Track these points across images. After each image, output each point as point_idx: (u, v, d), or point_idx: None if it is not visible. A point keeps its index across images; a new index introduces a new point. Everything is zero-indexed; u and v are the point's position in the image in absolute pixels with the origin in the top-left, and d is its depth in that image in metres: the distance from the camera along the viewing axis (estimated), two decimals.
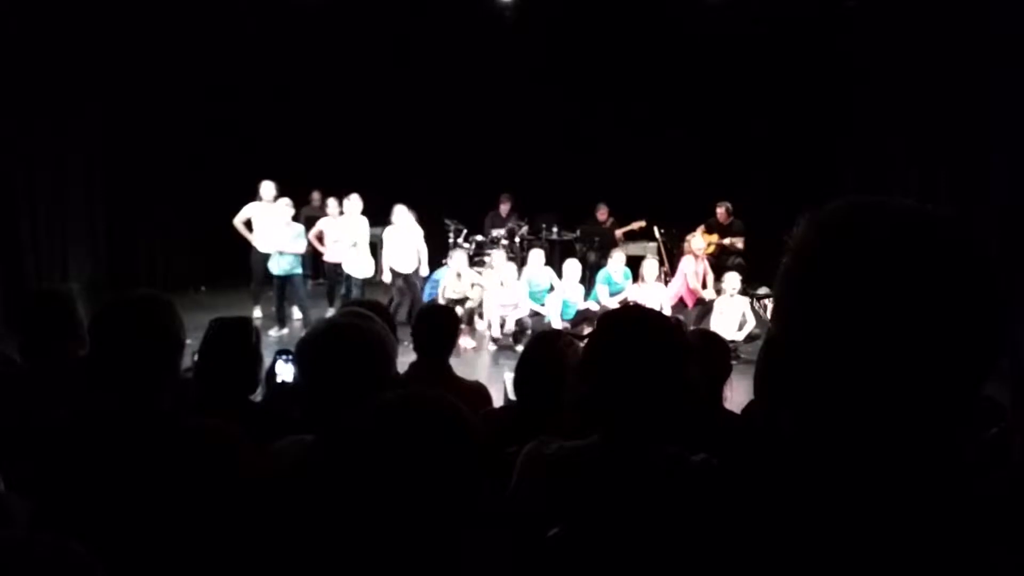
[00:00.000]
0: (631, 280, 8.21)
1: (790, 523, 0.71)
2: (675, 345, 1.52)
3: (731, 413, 2.73)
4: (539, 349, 2.45)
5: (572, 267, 8.14)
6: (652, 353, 1.48)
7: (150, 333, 1.67)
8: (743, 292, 7.78)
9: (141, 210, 9.56)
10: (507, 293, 7.98)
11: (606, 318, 1.64)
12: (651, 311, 1.69)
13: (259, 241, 8.08)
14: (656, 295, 7.85)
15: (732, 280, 7.62)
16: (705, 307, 7.95)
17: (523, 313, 7.96)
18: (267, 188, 8.16)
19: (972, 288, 0.66)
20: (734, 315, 7.55)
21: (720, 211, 9.21)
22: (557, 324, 7.62)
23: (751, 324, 7.50)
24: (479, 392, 3.00)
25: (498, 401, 3.42)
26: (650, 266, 8.00)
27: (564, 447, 1.60)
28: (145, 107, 9.44)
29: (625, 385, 1.48)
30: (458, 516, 1.09)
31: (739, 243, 9.13)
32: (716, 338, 2.91)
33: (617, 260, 8.27)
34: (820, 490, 0.71)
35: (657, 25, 10.64)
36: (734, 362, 3.19)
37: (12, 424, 2.08)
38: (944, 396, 0.67)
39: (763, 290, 8.82)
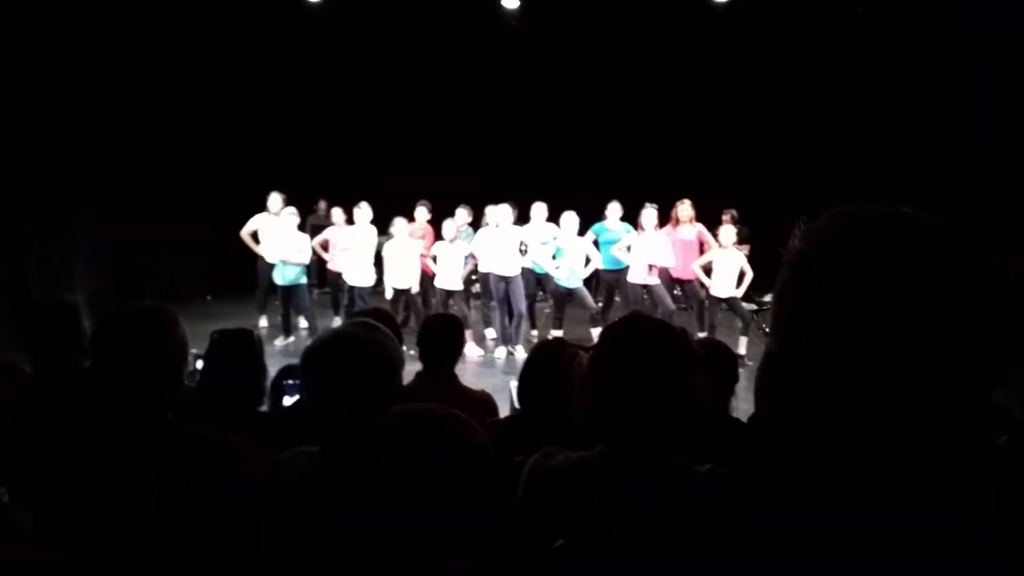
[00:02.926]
0: (631, 232, 7.89)
1: (795, 534, 0.70)
2: (680, 354, 1.51)
3: (738, 422, 2.72)
4: (543, 359, 2.44)
5: (569, 219, 7.70)
6: (657, 363, 1.47)
7: (153, 344, 1.67)
8: (747, 299, 7.73)
9: (148, 220, 9.58)
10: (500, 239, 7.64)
11: (611, 328, 1.63)
12: (656, 321, 1.68)
13: (266, 251, 8.12)
14: (658, 244, 7.69)
15: (727, 233, 7.59)
16: (704, 307, 7.88)
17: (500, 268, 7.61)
18: (274, 200, 8.21)
19: (971, 295, 0.65)
20: (732, 269, 7.48)
21: (725, 218, 9.18)
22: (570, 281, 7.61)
23: (749, 276, 7.46)
24: (485, 402, 2.99)
25: (504, 410, 3.41)
26: (649, 215, 7.67)
27: (570, 457, 1.60)
28: (153, 117, 9.48)
29: (630, 395, 1.47)
30: (467, 530, 1.08)
31: (744, 251, 9.10)
32: (722, 347, 2.92)
33: (613, 211, 8.08)
34: (824, 502, 0.70)
35: (663, 30, 10.64)
36: (741, 370, 3.21)
37: (18, 435, 2.08)
38: (948, 405, 0.66)
39: (768, 298, 8.79)
